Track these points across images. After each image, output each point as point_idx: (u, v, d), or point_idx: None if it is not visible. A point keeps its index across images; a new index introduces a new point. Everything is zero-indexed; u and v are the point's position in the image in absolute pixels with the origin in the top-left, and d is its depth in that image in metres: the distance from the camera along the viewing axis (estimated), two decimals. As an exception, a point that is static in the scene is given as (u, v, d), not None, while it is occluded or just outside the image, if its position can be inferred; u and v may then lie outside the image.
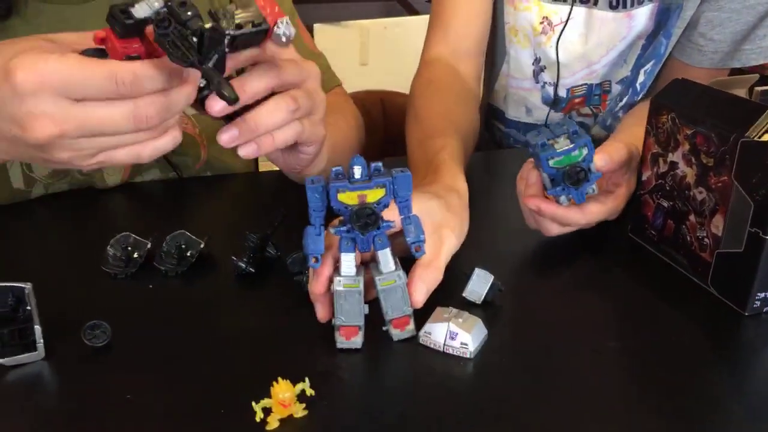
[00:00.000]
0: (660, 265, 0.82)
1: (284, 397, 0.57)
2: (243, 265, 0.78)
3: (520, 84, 1.25)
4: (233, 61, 0.64)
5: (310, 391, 0.59)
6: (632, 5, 1.12)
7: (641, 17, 1.13)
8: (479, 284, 0.72)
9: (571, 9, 1.13)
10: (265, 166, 1.24)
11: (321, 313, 0.69)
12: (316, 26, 2.67)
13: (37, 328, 0.65)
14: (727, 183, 0.71)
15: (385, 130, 1.57)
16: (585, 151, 0.78)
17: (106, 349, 0.67)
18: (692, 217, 0.77)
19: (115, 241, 0.80)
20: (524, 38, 1.19)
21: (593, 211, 0.82)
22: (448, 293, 0.72)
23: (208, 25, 0.57)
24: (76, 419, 0.60)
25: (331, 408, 0.61)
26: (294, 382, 0.59)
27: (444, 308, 0.69)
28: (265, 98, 0.66)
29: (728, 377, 0.67)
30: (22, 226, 0.92)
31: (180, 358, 0.67)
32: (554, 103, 1.23)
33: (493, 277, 0.73)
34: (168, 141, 0.61)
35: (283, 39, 0.62)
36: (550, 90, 1.22)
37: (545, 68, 1.21)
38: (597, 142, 0.80)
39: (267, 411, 0.58)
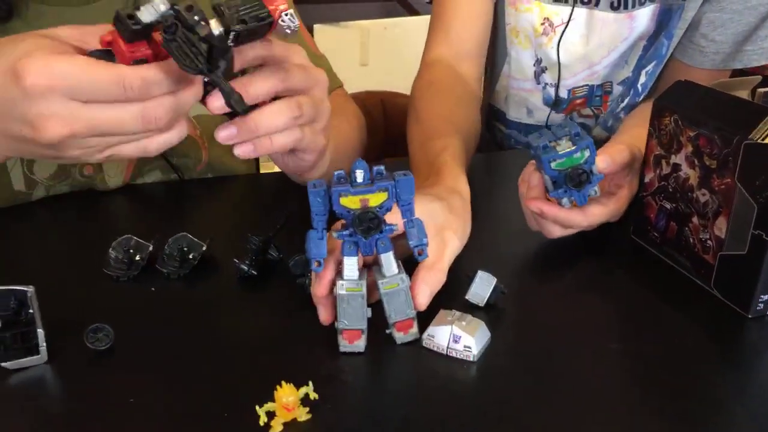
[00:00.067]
0: (662, 267, 0.82)
1: (288, 400, 0.57)
2: (245, 268, 0.77)
3: (521, 85, 1.25)
4: (241, 60, 0.64)
5: (313, 395, 0.59)
6: (633, 6, 1.12)
7: (642, 18, 1.13)
8: (482, 287, 0.72)
9: (573, 10, 1.13)
10: (266, 167, 1.24)
11: (323, 315, 0.69)
12: (316, 27, 2.67)
13: (40, 331, 0.64)
14: (730, 185, 0.71)
15: (385, 131, 1.57)
16: (587, 153, 0.78)
17: (108, 352, 0.67)
18: (695, 219, 0.77)
19: (117, 244, 0.80)
20: (525, 39, 1.19)
21: (595, 213, 0.82)
22: (450, 296, 0.72)
23: (212, 21, 0.57)
24: (79, 422, 0.60)
25: (335, 411, 0.61)
26: (297, 386, 0.59)
27: (447, 311, 0.69)
28: (271, 99, 0.66)
29: (731, 379, 0.67)
30: (23, 228, 0.92)
31: (182, 361, 0.67)
32: (555, 104, 1.23)
33: (495, 279, 0.73)
34: (174, 135, 0.62)
35: (288, 31, 0.62)
36: (551, 91, 1.22)
37: (546, 69, 1.21)
38: (598, 143, 0.80)
39: (271, 415, 0.58)
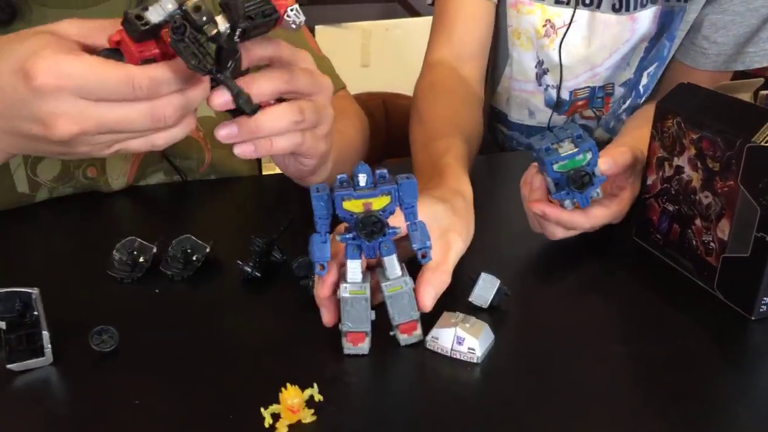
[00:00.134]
0: (665, 269, 0.82)
1: (293, 402, 0.57)
2: (249, 270, 0.78)
3: (522, 87, 1.25)
4: (248, 58, 0.64)
5: (318, 397, 0.59)
6: (635, 8, 1.12)
7: (644, 20, 1.13)
8: (486, 289, 0.72)
9: (574, 12, 1.14)
10: (268, 168, 1.24)
11: (326, 317, 0.69)
12: (318, 28, 2.67)
13: (45, 333, 0.65)
14: (733, 188, 0.71)
15: (387, 132, 1.57)
16: (589, 155, 0.78)
17: (113, 353, 0.67)
18: (698, 222, 0.77)
19: (120, 246, 0.80)
20: (527, 41, 1.20)
21: (598, 215, 0.82)
22: (453, 298, 0.72)
23: (219, 17, 0.57)
24: (85, 424, 0.60)
25: (339, 413, 0.61)
26: (302, 388, 0.59)
27: (451, 313, 0.69)
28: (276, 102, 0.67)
29: (734, 381, 0.67)
30: (27, 230, 0.92)
31: (187, 363, 0.67)
32: (557, 105, 1.23)
33: (499, 281, 0.73)
34: (181, 129, 0.62)
35: (293, 26, 0.62)
36: (553, 93, 1.22)
37: (548, 71, 1.21)
38: (600, 144, 0.80)
39: (276, 417, 0.58)
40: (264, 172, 1.18)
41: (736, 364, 0.69)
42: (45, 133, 0.58)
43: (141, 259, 0.80)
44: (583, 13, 1.14)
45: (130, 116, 0.58)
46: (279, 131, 0.66)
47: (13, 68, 0.56)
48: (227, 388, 0.64)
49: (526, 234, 0.86)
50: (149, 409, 0.61)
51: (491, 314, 0.73)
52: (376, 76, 2.28)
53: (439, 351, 0.67)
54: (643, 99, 1.24)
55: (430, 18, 1.21)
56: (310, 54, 0.69)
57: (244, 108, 0.60)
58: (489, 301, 0.73)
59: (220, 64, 0.58)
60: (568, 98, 1.22)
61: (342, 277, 0.67)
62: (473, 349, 0.66)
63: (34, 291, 0.66)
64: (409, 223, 0.66)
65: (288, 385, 0.59)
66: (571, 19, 1.14)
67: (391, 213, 0.65)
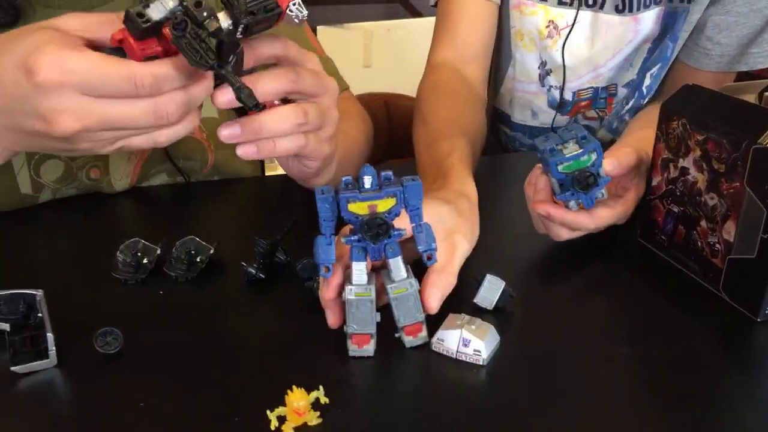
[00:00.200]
0: (670, 270, 0.82)
1: (299, 405, 0.57)
2: (253, 271, 0.77)
3: (525, 87, 1.25)
4: (255, 56, 0.64)
5: (324, 399, 0.59)
6: (638, 9, 1.12)
7: (647, 21, 1.13)
8: (491, 290, 0.72)
9: (577, 13, 1.13)
10: (271, 168, 1.24)
11: (331, 319, 0.69)
12: (319, 28, 2.67)
13: (50, 335, 0.64)
14: (739, 189, 0.71)
15: (389, 132, 1.57)
16: (594, 156, 0.78)
17: (117, 355, 0.67)
18: (703, 223, 0.77)
19: (124, 247, 0.80)
20: (530, 42, 1.19)
21: (602, 216, 0.82)
22: (459, 299, 0.72)
23: (220, 14, 0.57)
24: (89, 426, 0.60)
25: (345, 416, 0.61)
26: (307, 390, 0.59)
27: (456, 315, 0.69)
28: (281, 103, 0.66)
29: (740, 383, 0.67)
30: (30, 231, 0.92)
31: (192, 365, 0.67)
32: (560, 106, 1.23)
33: (504, 283, 0.73)
34: (185, 127, 0.62)
35: (296, 21, 0.62)
36: (556, 93, 1.22)
37: (551, 72, 1.21)
38: (603, 145, 0.80)
39: (281, 419, 0.58)
40: (267, 173, 1.18)
41: (741, 366, 0.69)
42: (47, 129, 0.57)
43: (145, 261, 0.80)
44: (586, 14, 1.14)
45: (132, 113, 0.58)
46: (282, 133, 0.66)
47: (16, 63, 0.56)
48: (232, 390, 0.63)
49: (529, 235, 0.86)
50: (154, 411, 0.61)
51: (496, 316, 0.73)
52: (377, 76, 2.28)
53: (445, 353, 0.67)
54: (646, 100, 1.24)
55: (431, 19, 1.21)
56: (317, 56, 0.69)
57: (245, 102, 0.60)
58: (494, 303, 0.72)
59: (222, 58, 0.58)
60: (571, 99, 1.22)
61: (347, 279, 0.67)
62: (479, 351, 0.66)
63: (39, 293, 0.66)
64: (414, 224, 0.66)
65: (294, 387, 0.58)
66: (574, 20, 1.14)
67: (397, 215, 0.65)
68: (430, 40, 1.19)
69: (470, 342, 0.66)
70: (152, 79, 0.57)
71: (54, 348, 0.65)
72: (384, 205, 0.64)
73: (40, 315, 0.65)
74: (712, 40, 1.11)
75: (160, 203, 1.01)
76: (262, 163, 1.15)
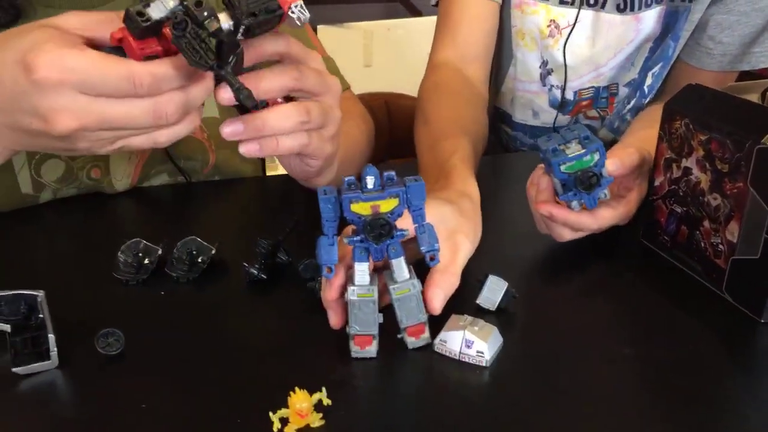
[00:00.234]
0: (673, 270, 0.82)
1: (302, 407, 0.57)
2: (255, 272, 0.77)
3: (526, 87, 1.25)
4: (258, 53, 0.63)
5: (327, 401, 0.59)
6: (640, 8, 1.11)
7: (649, 20, 1.13)
8: (493, 291, 0.72)
9: (579, 12, 1.13)
10: (271, 168, 1.24)
11: (334, 320, 0.69)
12: (319, 28, 2.67)
13: (51, 336, 0.64)
14: (742, 189, 0.71)
15: (390, 132, 1.56)
16: (597, 156, 0.78)
17: (119, 356, 0.66)
18: (706, 223, 0.76)
19: (125, 248, 0.79)
20: (531, 41, 1.19)
21: (605, 216, 0.82)
22: (461, 300, 0.71)
23: (221, 15, 0.56)
24: (91, 428, 0.60)
25: (347, 417, 0.60)
26: (310, 391, 0.59)
27: (459, 316, 0.68)
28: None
29: (743, 384, 0.66)
30: (31, 231, 0.92)
31: (193, 366, 0.66)
32: (561, 106, 1.23)
33: (507, 284, 0.72)
34: (185, 127, 0.62)
35: (298, 23, 0.62)
36: (557, 93, 1.22)
37: (552, 71, 1.21)
38: (605, 145, 0.80)
39: (284, 421, 0.58)
40: (268, 173, 1.17)
41: (745, 367, 0.69)
42: (45, 128, 0.57)
43: (146, 261, 0.79)
44: (587, 14, 1.14)
45: (131, 113, 0.57)
46: (285, 130, 0.66)
47: (15, 61, 0.56)
48: (234, 391, 0.63)
49: (531, 235, 0.86)
50: (156, 412, 0.61)
51: (498, 316, 0.72)
52: (378, 76, 2.27)
53: (448, 354, 0.67)
54: (648, 99, 1.24)
55: (432, 18, 1.20)
56: (320, 56, 0.68)
57: (244, 103, 0.60)
58: (497, 304, 0.72)
59: (222, 59, 0.57)
60: (572, 98, 1.22)
61: (349, 279, 0.66)
62: (482, 353, 0.65)
63: (40, 294, 0.65)
64: (417, 225, 0.66)
65: (296, 388, 0.58)
66: (576, 20, 1.14)
67: (399, 215, 0.64)
68: (431, 40, 1.19)
69: (473, 343, 0.65)
70: (151, 78, 0.56)
71: (55, 349, 0.65)
72: (387, 205, 0.64)
73: (41, 316, 0.65)
74: (714, 39, 1.11)
75: (161, 203, 1.01)
76: (263, 163, 1.15)
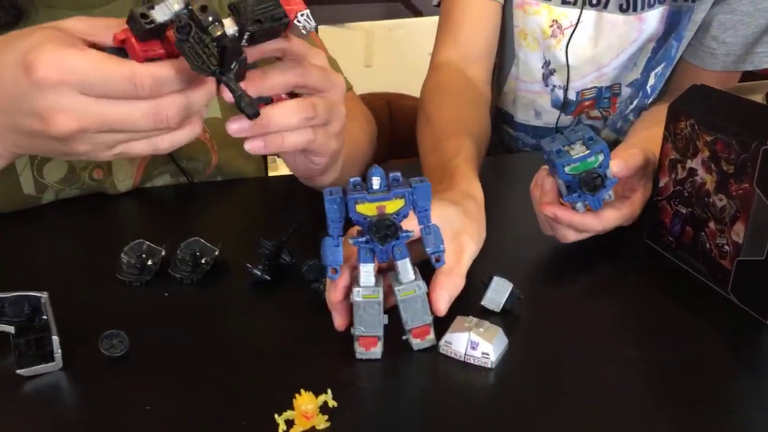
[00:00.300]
0: (677, 271, 0.82)
1: (307, 408, 0.57)
2: (259, 273, 0.77)
3: (529, 87, 1.24)
4: (260, 51, 0.63)
5: (332, 403, 0.59)
6: (642, 8, 1.11)
7: (652, 20, 1.13)
8: (498, 292, 0.72)
9: (581, 12, 1.13)
10: (273, 169, 1.24)
11: (338, 321, 0.69)
12: (320, 28, 2.66)
13: (55, 338, 0.64)
14: (748, 190, 0.70)
15: (391, 132, 1.56)
16: (601, 157, 0.78)
17: (123, 358, 0.66)
18: (712, 224, 0.76)
19: (129, 249, 0.79)
20: (534, 41, 1.19)
21: (609, 218, 0.82)
22: (466, 301, 0.71)
23: (226, 20, 0.56)
24: (95, 430, 0.60)
25: (352, 419, 0.60)
26: (315, 393, 0.59)
27: (464, 317, 0.68)
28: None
29: (749, 386, 0.66)
30: (33, 232, 0.91)
31: (198, 367, 0.66)
32: (564, 106, 1.23)
33: (512, 285, 0.72)
34: (187, 133, 0.61)
35: (304, 32, 0.62)
36: (560, 93, 1.22)
37: (555, 71, 1.20)
38: (608, 145, 0.80)
39: (290, 423, 0.58)
40: (270, 173, 1.17)
41: (750, 368, 0.69)
42: (44, 129, 0.56)
43: (149, 262, 0.79)
44: (589, 14, 1.14)
45: (132, 115, 0.57)
46: (290, 127, 0.66)
47: (16, 61, 0.56)
48: (239, 393, 0.63)
49: (534, 236, 0.86)
50: (160, 414, 0.61)
51: (503, 318, 0.72)
52: (379, 76, 2.27)
53: (453, 356, 0.67)
54: (651, 99, 1.23)
55: (433, 18, 1.20)
56: (323, 53, 0.68)
57: (245, 110, 0.60)
58: (501, 305, 0.72)
59: (224, 64, 0.57)
60: (574, 99, 1.22)
61: (354, 280, 0.66)
62: (487, 354, 0.65)
63: (43, 295, 0.65)
64: (422, 226, 0.66)
65: (302, 390, 0.58)
66: (578, 20, 1.14)
67: (405, 216, 0.64)
68: (432, 40, 1.19)
69: (478, 345, 0.65)
70: (152, 80, 0.56)
71: (59, 351, 0.64)
72: (392, 206, 0.63)
73: (45, 317, 0.65)
74: (717, 39, 1.11)
75: (164, 204, 1.00)
76: (265, 163, 1.15)
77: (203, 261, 0.79)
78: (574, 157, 0.78)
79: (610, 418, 0.61)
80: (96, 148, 0.59)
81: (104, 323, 0.67)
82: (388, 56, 2.79)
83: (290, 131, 0.66)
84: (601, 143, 0.78)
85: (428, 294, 0.67)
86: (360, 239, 0.65)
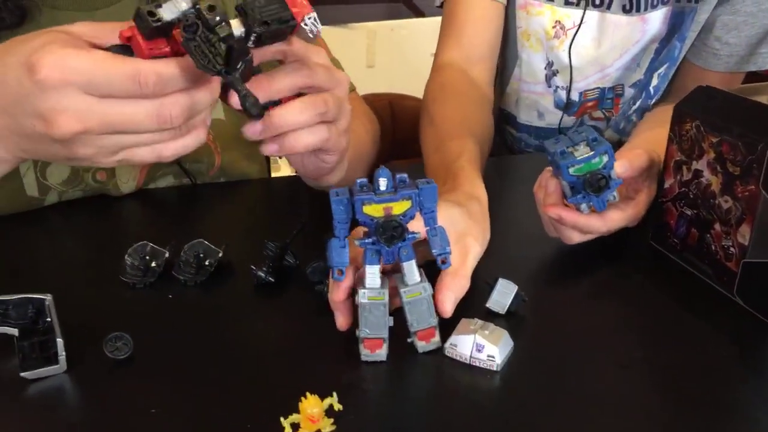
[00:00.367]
0: (683, 273, 0.81)
1: (313, 412, 0.57)
2: (263, 275, 0.77)
3: (532, 88, 1.24)
4: (261, 54, 0.63)
5: (338, 406, 0.59)
6: (645, 9, 1.11)
7: (655, 21, 1.12)
8: (503, 294, 0.72)
9: (584, 13, 1.13)
10: (275, 170, 1.24)
11: (340, 321, 0.68)
12: (323, 28, 2.66)
13: (59, 340, 0.64)
14: (754, 192, 0.70)
15: (393, 133, 1.56)
16: (605, 158, 0.78)
17: (127, 360, 0.66)
18: (717, 226, 0.76)
19: (132, 251, 0.79)
20: (537, 42, 1.19)
21: (614, 219, 0.82)
22: (470, 303, 0.71)
23: (233, 21, 0.56)
24: (100, 434, 0.60)
25: (357, 421, 0.60)
26: (320, 395, 0.58)
27: (469, 320, 0.68)
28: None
29: (754, 387, 0.66)
30: (36, 234, 0.91)
31: (202, 370, 0.66)
32: (566, 107, 1.23)
33: (517, 287, 0.72)
34: (191, 140, 0.61)
35: (311, 35, 0.62)
36: (563, 94, 1.22)
37: (558, 72, 1.20)
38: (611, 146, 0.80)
39: (295, 426, 0.58)
40: (272, 175, 1.17)
41: (756, 371, 0.69)
42: (46, 130, 0.56)
43: (153, 264, 0.79)
44: (593, 14, 1.14)
45: (135, 114, 0.56)
46: (302, 124, 0.66)
47: (19, 61, 0.55)
48: (244, 395, 0.63)
49: (538, 237, 0.86)
50: (165, 417, 0.61)
51: (508, 320, 0.72)
52: (381, 76, 2.27)
53: (458, 358, 0.66)
54: (654, 100, 1.23)
55: (435, 18, 1.20)
56: (323, 50, 0.68)
57: (250, 111, 0.59)
58: (506, 307, 0.72)
59: (230, 64, 0.57)
60: (577, 99, 1.22)
61: (360, 282, 0.66)
62: (493, 357, 0.65)
63: (48, 297, 0.65)
64: (428, 228, 0.66)
65: (308, 394, 0.58)
66: (581, 20, 1.13)
67: (412, 218, 0.64)
68: (434, 40, 1.19)
69: (484, 347, 0.65)
70: (156, 77, 0.55)
71: (63, 353, 0.64)
72: (399, 207, 0.63)
73: (49, 320, 0.65)
74: (721, 40, 1.11)
75: (167, 205, 1.00)
76: (268, 164, 1.15)
77: (207, 263, 0.79)
78: (579, 158, 0.78)
79: (615, 420, 0.61)
80: (99, 153, 0.59)
81: (108, 325, 0.67)
82: (390, 57, 2.79)
83: (305, 130, 0.66)
84: (605, 144, 0.77)
85: (433, 296, 0.67)
86: (366, 240, 0.64)
